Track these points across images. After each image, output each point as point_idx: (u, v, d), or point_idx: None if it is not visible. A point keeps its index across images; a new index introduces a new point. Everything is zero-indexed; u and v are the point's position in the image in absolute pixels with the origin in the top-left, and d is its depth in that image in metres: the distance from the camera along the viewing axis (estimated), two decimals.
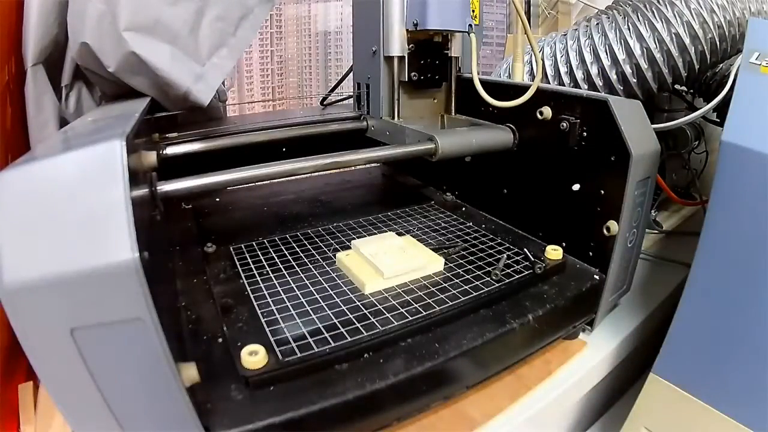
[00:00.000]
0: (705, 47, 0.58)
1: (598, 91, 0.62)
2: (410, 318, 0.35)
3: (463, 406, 0.37)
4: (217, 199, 0.61)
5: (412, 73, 0.52)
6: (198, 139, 0.49)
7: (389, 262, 0.41)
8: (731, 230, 0.34)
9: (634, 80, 0.60)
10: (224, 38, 0.45)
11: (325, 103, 0.74)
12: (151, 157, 0.37)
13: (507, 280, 0.41)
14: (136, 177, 0.24)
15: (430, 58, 0.53)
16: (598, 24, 0.63)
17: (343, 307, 0.37)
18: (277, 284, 0.40)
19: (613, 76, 0.61)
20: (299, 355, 0.31)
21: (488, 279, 0.41)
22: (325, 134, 0.56)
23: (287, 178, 0.62)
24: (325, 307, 0.37)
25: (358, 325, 0.34)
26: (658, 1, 0.58)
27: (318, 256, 0.45)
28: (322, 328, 0.34)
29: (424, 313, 0.36)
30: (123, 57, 0.41)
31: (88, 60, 0.43)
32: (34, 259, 0.20)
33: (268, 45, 1.89)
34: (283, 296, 0.38)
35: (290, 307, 0.37)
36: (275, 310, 0.36)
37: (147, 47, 0.41)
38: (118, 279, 0.20)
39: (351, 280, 0.41)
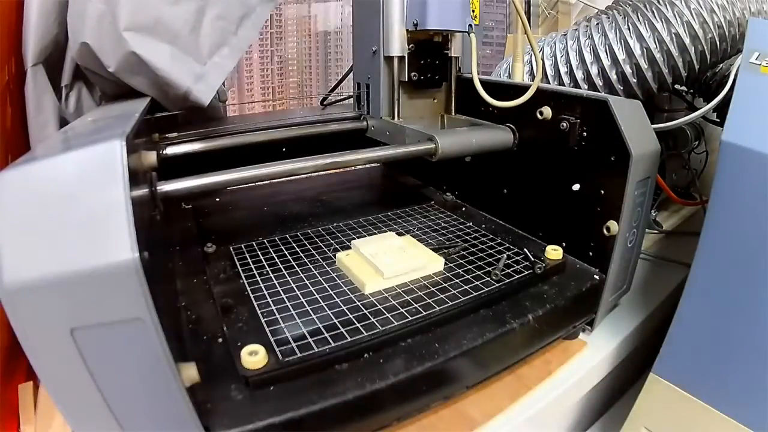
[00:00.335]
0: (705, 47, 0.58)
1: (598, 91, 0.62)
2: (410, 318, 0.35)
3: (463, 406, 0.37)
4: (217, 199, 0.61)
5: (412, 73, 0.52)
6: (198, 139, 0.49)
7: (389, 262, 0.41)
8: (731, 230, 0.34)
9: (634, 80, 0.60)
10: (225, 37, 0.45)
11: (325, 103, 0.74)
12: (151, 157, 0.37)
13: (507, 280, 0.41)
14: (136, 177, 0.24)
15: (430, 58, 0.53)
16: (598, 24, 0.63)
17: (343, 307, 0.37)
18: (277, 284, 0.40)
19: (613, 76, 0.61)
20: (299, 355, 0.31)
21: (488, 279, 0.41)
22: (325, 134, 0.56)
23: (287, 178, 0.62)
24: (325, 307, 0.37)
25: (358, 325, 0.34)
26: (658, 1, 0.58)
27: (318, 256, 0.45)
28: (322, 328, 0.34)
29: (424, 313, 0.36)
30: (123, 57, 0.41)
31: (88, 60, 0.43)
32: (34, 259, 0.20)
33: (268, 45, 1.89)
34: (283, 296, 0.38)
35: (290, 307, 0.37)
36: (275, 310, 0.36)
37: (147, 47, 0.41)
38: (118, 279, 0.20)
39: (351, 280, 0.41)
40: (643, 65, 0.59)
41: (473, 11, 0.51)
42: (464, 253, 0.46)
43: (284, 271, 0.42)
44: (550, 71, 0.66)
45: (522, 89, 0.46)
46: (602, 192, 0.42)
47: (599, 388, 0.46)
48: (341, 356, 0.32)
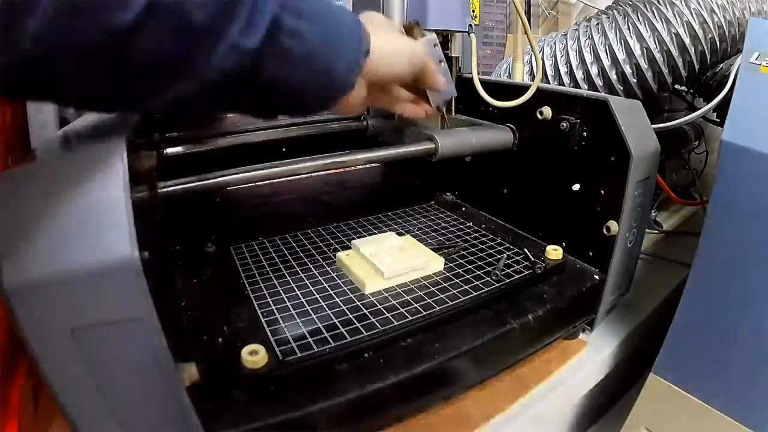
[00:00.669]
0: (705, 47, 0.58)
1: (598, 91, 0.62)
2: (410, 318, 0.35)
3: (463, 406, 0.37)
4: (217, 199, 0.61)
5: None
6: (198, 139, 0.49)
7: (389, 262, 0.41)
8: (731, 230, 0.34)
9: (634, 80, 0.60)
10: None
11: None
12: (151, 157, 0.37)
13: (507, 280, 0.41)
14: (136, 177, 0.24)
15: None
16: (598, 24, 0.63)
17: (343, 307, 0.37)
18: (277, 284, 0.40)
19: (613, 76, 0.61)
20: (299, 354, 0.31)
21: (488, 279, 0.41)
22: (325, 134, 0.56)
23: (287, 178, 0.62)
24: (325, 306, 0.37)
25: (358, 325, 0.34)
26: (658, 1, 0.58)
27: (318, 256, 0.45)
28: (322, 328, 0.34)
29: (424, 313, 0.36)
30: None
31: None
32: (35, 258, 0.20)
33: None
34: (283, 296, 0.38)
35: (290, 306, 0.37)
36: (275, 310, 0.36)
37: None
38: (119, 278, 0.20)
39: (351, 280, 0.41)
40: (643, 65, 0.59)
41: (473, 11, 0.51)
42: (464, 253, 0.46)
43: (284, 271, 0.42)
44: (550, 71, 0.66)
45: (522, 89, 0.46)
46: (602, 192, 0.42)
47: (599, 388, 0.46)
48: (341, 356, 0.32)
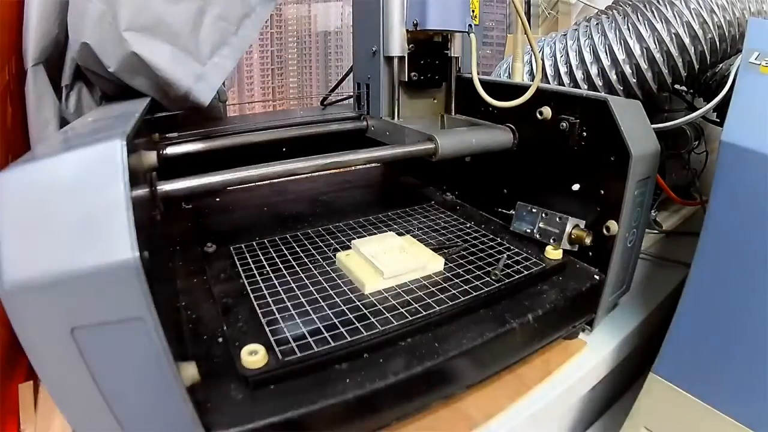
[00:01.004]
0: (705, 47, 0.58)
1: (598, 91, 0.62)
2: (410, 318, 0.35)
3: (463, 405, 0.37)
4: (217, 199, 0.61)
5: (412, 73, 0.52)
6: (198, 139, 0.50)
7: (389, 262, 0.41)
8: (731, 230, 0.34)
9: (634, 80, 0.60)
10: (226, 37, 0.45)
11: (325, 103, 0.74)
12: (151, 157, 0.37)
13: (507, 280, 0.41)
14: (136, 177, 0.24)
15: (430, 58, 0.53)
16: (597, 24, 0.63)
17: (343, 307, 0.37)
18: (277, 284, 0.40)
19: (613, 76, 0.61)
20: (299, 354, 0.31)
21: (488, 279, 0.41)
22: (325, 134, 0.56)
23: (287, 178, 0.62)
24: (325, 306, 0.37)
25: (358, 325, 0.34)
26: (658, 1, 0.58)
27: (318, 256, 0.45)
28: (322, 328, 0.34)
29: (424, 313, 0.36)
30: (123, 57, 0.41)
31: (88, 60, 0.43)
32: (35, 258, 0.20)
33: (268, 45, 1.89)
34: (283, 296, 0.38)
35: (290, 306, 0.37)
36: (275, 310, 0.36)
37: (147, 47, 0.41)
38: (119, 278, 0.20)
39: (351, 280, 0.41)
40: (643, 65, 0.59)
41: (473, 11, 0.51)
42: (464, 253, 0.46)
43: (284, 271, 0.42)
44: (550, 71, 0.66)
45: (522, 89, 0.46)
46: (602, 192, 0.42)
47: (599, 388, 0.46)
48: (341, 356, 0.32)
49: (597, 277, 0.43)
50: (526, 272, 0.43)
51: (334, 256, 0.44)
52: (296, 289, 0.39)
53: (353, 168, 0.73)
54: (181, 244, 0.47)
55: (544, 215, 0.47)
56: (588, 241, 0.43)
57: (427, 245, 0.46)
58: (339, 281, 0.40)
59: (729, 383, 0.36)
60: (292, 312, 0.36)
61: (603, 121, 0.40)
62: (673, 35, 0.57)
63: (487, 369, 0.38)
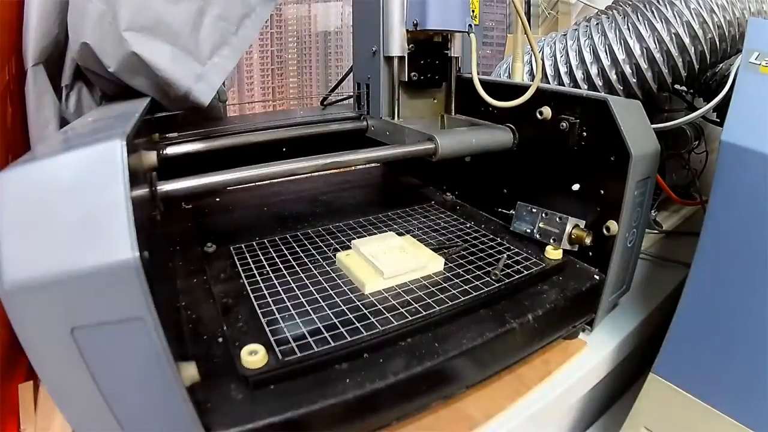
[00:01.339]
0: (705, 47, 0.58)
1: (598, 91, 0.62)
2: (410, 318, 0.35)
3: (463, 405, 0.37)
4: (217, 199, 0.61)
5: (412, 73, 0.52)
6: (198, 139, 0.50)
7: (389, 262, 0.41)
8: (731, 230, 0.34)
9: (634, 80, 0.60)
10: (226, 37, 0.45)
11: (325, 103, 0.74)
12: (151, 157, 0.37)
13: (507, 280, 0.41)
14: (136, 177, 0.24)
15: (430, 58, 0.53)
16: (597, 24, 0.63)
17: (343, 307, 0.37)
18: (277, 284, 0.40)
19: (613, 76, 0.61)
20: (299, 354, 0.31)
21: (488, 279, 0.41)
22: (325, 134, 0.56)
23: (287, 178, 0.62)
24: (325, 306, 0.37)
25: (358, 325, 0.34)
26: (658, 1, 0.58)
27: (318, 256, 0.45)
28: (322, 328, 0.34)
29: (424, 313, 0.36)
30: (123, 57, 0.41)
31: (88, 60, 0.43)
32: (35, 258, 0.20)
33: (268, 45, 1.89)
34: (283, 296, 0.38)
35: (290, 306, 0.37)
36: (275, 310, 0.36)
37: (147, 47, 0.41)
38: (119, 278, 0.20)
39: (351, 280, 0.41)
40: (643, 65, 0.59)
41: (473, 11, 0.51)
42: (464, 253, 0.46)
43: (284, 271, 0.42)
44: (550, 71, 0.66)
45: (522, 89, 0.46)
46: (602, 192, 0.42)
47: (599, 388, 0.46)
48: (341, 356, 0.32)
49: (597, 277, 0.43)
50: (526, 272, 0.43)
51: (334, 256, 0.44)
52: (296, 289, 0.39)
53: (353, 168, 0.73)
54: (181, 244, 0.47)
55: (544, 215, 0.47)
56: (588, 241, 0.43)
57: (427, 245, 0.46)
58: (339, 281, 0.40)
59: (729, 383, 0.36)
60: (292, 312, 0.36)
61: (603, 121, 0.40)
62: (673, 35, 0.57)
63: (487, 369, 0.38)
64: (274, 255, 0.45)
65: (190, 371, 0.26)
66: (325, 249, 0.46)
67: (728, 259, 0.35)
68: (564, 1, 1.25)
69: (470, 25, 0.49)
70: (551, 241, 0.46)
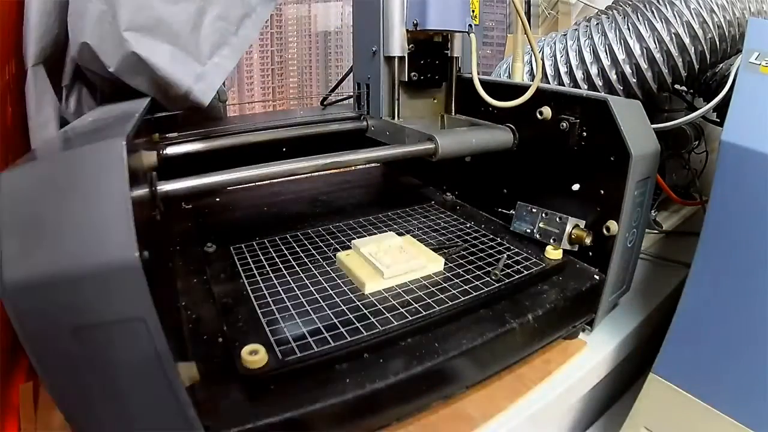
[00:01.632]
0: (705, 47, 0.58)
1: (598, 91, 0.62)
2: (410, 318, 0.35)
3: (463, 406, 0.37)
4: (217, 199, 0.61)
5: (412, 73, 0.52)
6: (198, 139, 0.50)
7: (389, 262, 0.41)
8: (731, 230, 0.34)
9: (634, 80, 0.60)
10: (226, 37, 0.45)
11: (325, 103, 0.74)
12: (151, 157, 0.37)
13: (507, 280, 0.41)
14: (136, 177, 0.24)
15: (430, 58, 0.53)
16: (598, 24, 0.63)
17: (343, 307, 0.37)
18: (277, 284, 0.40)
19: (613, 76, 0.61)
20: (299, 354, 0.31)
21: (488, 279, 0.41)
22: (325, 134, 0.56)
23: (287, 178, 0.62)
24: (325, 306, 0.37)
25: (358, 325, 0.34)
26: (658, 1, 0.58)
27: (318, 256, 0.45)
28: (322, 328, 0.34)
29: (424, 313, 0.36)
30: (123, 57, 0.41)
31: (88, 60, 0.43)
32: (35, 258, 0.20)
33: (268, 45, 1.89)
34: (283, 296, 0.38)
35: (290, 306, 0.37)
36: (275, 310, 0.36)
37: (147, 47, 0.41)
38: (119, 278, 0.20)
39: (351, 280, 0.41)
40: (643, 65, 0.59)
41: (473, 11, 0.51)
42: (464, 253, 0.46)
43: (284, 271, 0.42)
44: (550, 71, 0.66)
45: (522, 89, 0.46)
46: (602, 192, 0.42)
47: (599, 388, 0.46)
48: (341, 356, 0.32)
49: (597, 277, 0.43)
50: (526, 272, 0.43)
51: (334, 256, 0.44)
52: (296, 289, 0.39)
53: (353, 168, 0.73)
54: (181, 244, 0.47)
55: (544, 215, 0.47)
56: (588, 241, 0.43)
57: (427, 245, 0.46)
58: (339, 281, 0.40)
59: (729, 383, 0.36)
60: (292, 312, 0.36)
61: (603, 121, 0.40)
62: (673, 35, 0.57)
63: (487, 369, 0.38)
64: (274, 255, 0.45)
65: (190, 371, 0.26)
66: (325, 249, 0.46)
67: (728, 259, 0.35)
68: (564, 1, 1.25)
69: (470, 25, 0.49)
70: (551, 241, 0.46)
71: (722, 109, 0.54)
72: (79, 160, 0.21)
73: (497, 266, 0.43)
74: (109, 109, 0.42)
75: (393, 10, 0.50)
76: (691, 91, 0.68)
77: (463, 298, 0.38)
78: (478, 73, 0.47)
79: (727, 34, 0.58)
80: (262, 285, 0.40)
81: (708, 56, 0.59)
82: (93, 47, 0.41)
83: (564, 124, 0.44)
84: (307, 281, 0.40)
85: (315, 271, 0.42)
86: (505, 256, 0.45)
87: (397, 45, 0.51)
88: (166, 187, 0.35)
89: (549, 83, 0.65)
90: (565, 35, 0.66)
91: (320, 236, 0.49)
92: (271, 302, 0.37)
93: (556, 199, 0.47)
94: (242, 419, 0.27)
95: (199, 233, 0.50)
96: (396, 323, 0.35)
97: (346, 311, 0.36)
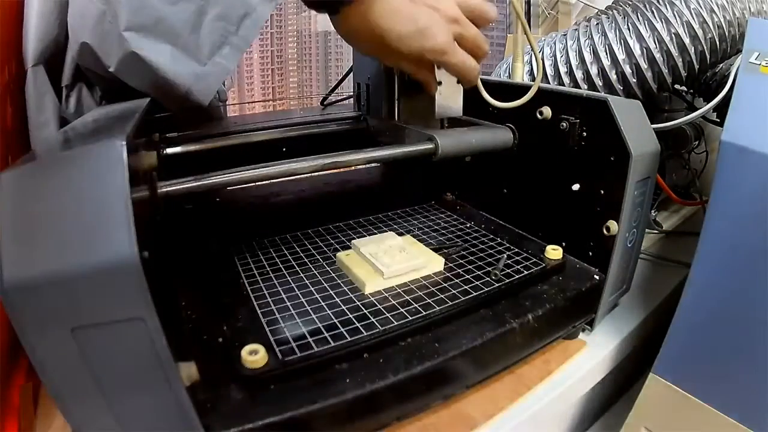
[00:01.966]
0: (705, 47, 0.58)
1: (598, 91, 0.62)
2: (410, 318, 0.35)
3: (463, 406, 0.37)
4: (217, 199, 0.61)
5: None
6: (198, 139, 0.49)
7: (389, 261, 0.41)
8: (731, 230, 0.34)
9: (634, 80, 0.60)
10: (226, 37, 0.45)
11: (325, 103, 0.74)
12: (151, 157, 0.37)
13: (507, 280, 0.41)
14: (136, 177, 0.24)
15: None
16: (598, 24, 0.63)
17: (343, 307, 0.37)
18: (277, 284, 0.40)
19: (613, 76, 0.61)
20: (299, 354, 0.31)
21: (488, 279, 0.41)
22: (325, 134, 0.56)
23: (287, 178, 0.62)
24: (325, 306, 0.37)
25: (358, 324, 0.34)
26: (658, 1, 0.58)
27: (318, 256, 0.45)
28: (322, 328, 0.34)
29: (424, 313, 0.36)
30: (123, 57, 0.41)
31: (88, 60, 0.43)
32: (35, 258, 0.20)
33: (268, 45, 1.89)
34: (283, 296, 0.38)
35: (290, 306, 0.37)
36: (275, 310, 0.36)
37: (147, 47, 0.41)
38: (119, 278, 0.20)
39: (351, 280, 0.41)
40: (643, 65, 0.59)
41: None
42: (464, 253, 0.46)
43: (284, 271, 0.42)
44: (550, 71, 0.66)
45: (522, 89, 0.45)
46: (602, 192, 0.42)
47: (599, 388, 0.46)
48: (341, 356, 0.32)
49: (597, 277, 0.43)
50: (526, 272, 0.43)
51: (334, 256, 0.44)
52: (296, 289, 0.39)
53: (353, 168, 0.72)
54: (181, 244, 0.47)
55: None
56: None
57: (427, 245, 0.46)
58: (339, 281, 0.41)
59: (729, 383, 0.36)
60: (292, 312, 0.36)
61: (603, 121, 0.40)
62: (673, 35, 0.57)
63: (487, 369, 0.38)
64: (274, 255, 0.45)
65: (190, 371, 0.26)
66: (325, 249, 0.46)
67: (728, 259, 0.35)
68: (564, 1, 1.25)
69: None
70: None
71: (722, 109, 0.54)
72: (79, 160, 0.21)
73: (497, 266, 0.43)
74: (109, 109, 0.42)
75: None
76: (691, 91, 0.68)
77: (463, 298, 0.38)
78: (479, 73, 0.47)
79: (727, 34, 0.58)
80: (262, 285, 0.40)
81: (708, 56, 0.59)
82: (93, 47, 0.41)
83: (564, 124, 0.44)
84: (307, 281, 0.40)
85: (315, 271, 0.42)
86: (505, 256, 0.45)
87: None
88: (166, 187, 0.35)
89: (549, 83, 0.65)
90: (565, 35, 0.66)
91: (320, 236, 0.49)
92: (271, 302, 0.37)
93: (556, 199, 0.47)
94: (242, 419, 0.27)
95: (199, 233, 0.50)
96: (396, 323, 0.35)
97: (346, 311, 0.36)
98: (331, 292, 0.39)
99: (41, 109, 0.45)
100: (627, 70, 0.60)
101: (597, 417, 0.52)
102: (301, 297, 0.38)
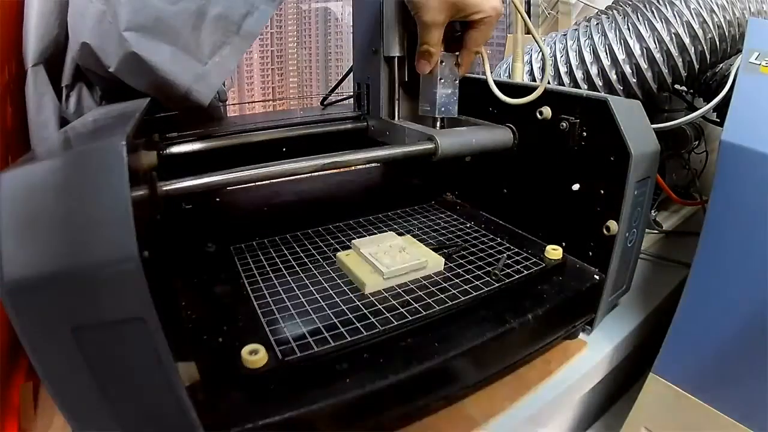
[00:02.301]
0: (705, 47, 0.58)
1: (598, 91, 0.62)
2: (410, 318, 0.35)
3: (463, 406, 0.37)
4: (217, 199, 0.61)
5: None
6: (198, 139, 0.49)
7: (389, 261, 0.41)
8: (731, 230, 0.34)
9: (634, 80, 0.60)
10: (226, 37, 0.45)
11: (325, 103, 0.74)
12: (151, 157, 0.37)
13: (507, 280, 0.41)
14: (136, 177, 0.24)
15: None
16: (598, 24, 0.63)
17: (343, 307, 0.37)
18: (277, 284, 0.40)
19: (613, 76, 0.61)
20: (299, 354, 0.31)
21: (488, 279, 0.41)
22: (325, 134, 0.56)
23: (287, 178, 0.62)
24: (325, 306, 0.37)
25: (358, 324, 0.34)
26: (658, 1, 0.58)
27: (318, 256, 0.45)
28: (322, 328, 0.34)
29: (424, 313, 0.36)
30: (123, 57, 0.41)
31: (88, 60, 0.43)
32: (35, 258, 0.20)
33: (268, 45, 1.89)
34: (283, 296, 0.38)
35: (290, 306, 0.37)
36: (275, 310, 0.36)
37: (147, 47, 0.41)
38: (119, 278, 0.20)
39: (351, 279, 0.41)
40: (643, 65, 0.59)
41: None
42: (464, 253, 0.46)
43: (284, 271, 0.42)
44: (550, 71, 0.66)
45: (523, 89, 0.46)
46: (602, 192, 0.42)
47: (599, 388, 0.46)
48: (341, 356, 0.32)
49: (597, 277, 0.43)
50: (526, 272, 0.43)
51: (334, 256, 0.44)
52: (296, 289, 0.39)
53: (353, 168, 0.72)
54: (181, 244, 0.47)
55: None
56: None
57: (427, 245, 0.46)
58: (339, 281, 0.40)
59: (729, 383, 0.36)
60: (292, 312, 0.36)
61: (603, 121, 0.40)
62: (673, 35, 0.57)
63: (488, 369, 0.38)
64: (274, 255, 0.45)
65: (190, 371, 0.26)
66: (325, 249, 0.46)
67: (728, 259, 0.35)
68: (564, 1, 1.25)
69: None
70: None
71: (722, 109, 0.54)
72: (79, 160, 0.21)
73: (497, 266, 0.43)
74: (109, 109, 0.42)
75: (393, 10, 0.49)
76: (691, 91, 0.68)
77: (463, 298, 0.38)
78: (482, 73, 0.47)
79: (727, 34, 0.58)
80: (262, 285, 0.40)
81: (708, 56, 0.59)
82: (93, 47, 0.41)
83: (564, 124, 0.44)
84: (307, 281, 0.40)
85: (315, 271, 0.42)
86: (505, 255, 0.45)
87: (397, 45, 0.50)
88: (166, 187, 0.35)
89: (549, 83, 0.65)
90: (565, 35, 0.66)
91: (320, 236, 0.49)
92: (271, 302, 0.37)
93: (556, 199, 0.47)
94: (242, 419, 0.27)
95: (199, 233, 0.50)
96: (396, 323, 0.35)
97: (346, 311, 0.36)
98: (331, 292, 0.39)
99: (41, 109, 0.45)
100: (627, 70, 0.60)
101: (597, 417, 0.52)
102: (301, 297, 0.38)
